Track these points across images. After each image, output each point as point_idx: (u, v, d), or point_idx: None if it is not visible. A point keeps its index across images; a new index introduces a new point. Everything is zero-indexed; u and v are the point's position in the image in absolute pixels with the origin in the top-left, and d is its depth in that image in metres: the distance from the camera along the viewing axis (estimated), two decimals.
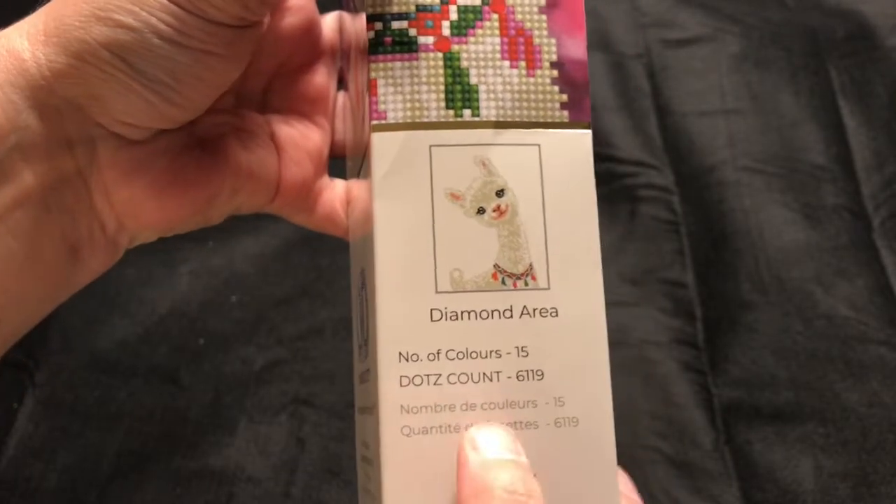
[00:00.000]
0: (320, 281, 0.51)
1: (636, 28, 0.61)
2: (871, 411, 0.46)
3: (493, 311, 0.23)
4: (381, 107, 0.23)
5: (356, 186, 0.28)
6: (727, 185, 0.54)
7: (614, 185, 0.54)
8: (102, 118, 0.24)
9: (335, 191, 0.31)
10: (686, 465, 0.45)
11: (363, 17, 0.24)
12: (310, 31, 0.30)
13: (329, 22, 0.31)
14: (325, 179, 0.31)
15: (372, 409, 0.23)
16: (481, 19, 0.24)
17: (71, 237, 0.25)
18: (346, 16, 0.30)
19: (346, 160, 0.32)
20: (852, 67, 0.58)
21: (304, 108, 0.31)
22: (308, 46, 0.30)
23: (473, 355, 0.23)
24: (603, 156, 0.54)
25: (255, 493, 0.44)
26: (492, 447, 0.22)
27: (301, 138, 0.30)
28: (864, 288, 0.50)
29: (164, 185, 0.26)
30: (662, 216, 0.53)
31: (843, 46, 0.59)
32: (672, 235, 0.53)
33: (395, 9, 0.24)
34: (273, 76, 0.30)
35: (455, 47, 0.24)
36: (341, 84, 0.32)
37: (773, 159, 0.55)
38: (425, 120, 0.23)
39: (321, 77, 0.31)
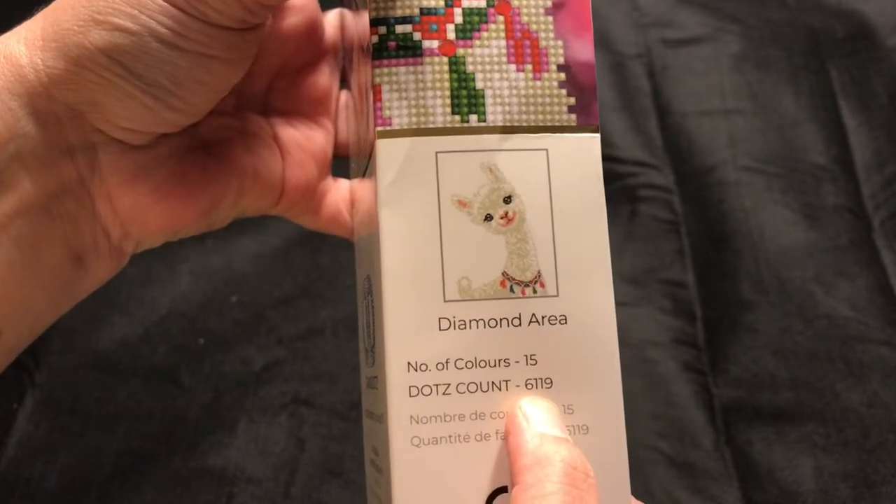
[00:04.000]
0: (320, 281, 0.51)
1: (636, 28, 0.61)
2: (872, 411, 0.46)
3: (501, 320, 0.23)
4: (386, 113, 0.23)
5: (360, 187, 0.28)
6: (727, 185, 0.54)
7: (615, 185, 0.54)
8: (102, 124, 0.24)
9: (339, 191, 0.31)
10: (686, 466, 0.45)
11: (365, 15, 0.24)
12: (312, 30, 0.29)
13: (331, 20, 0.31)
14: (329, 180, 0.31)
15: (381, 417, 0.23)
16: (486, 22, 0.23)
17: (75, 245, 0.25)
18: (348, 13, 0.30)
19: (349, 160, 0.32)
20: (852, 67, 0.58)
21: (307, 108, 0.30)
22: (310, 46, 0.30)
23: (482, 364, 0.22)
24: (603, 156, 0.54)
25: (255, 493, 0.44)
26: (545, 422, 0.22)
27: (304, 140, 0.30)
28: (864, 288, 0.50)
29: (168, 190, 0.26)
30: (662, 216, 0.53)
31: (843, 46, 0.59)
32: (672, 235, 0.53)
33: (399, 12, 0.23)
34: (275, 77, 0.30)
35: (460, 51, 0.23)
36: (343, 83, 0.32)
37: (774, 159, 0.55)
38: (431, 126, 0.23)
39: (324, 77, 0.30)
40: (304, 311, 0.50)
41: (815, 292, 0.50)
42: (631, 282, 0.51)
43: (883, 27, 0.60)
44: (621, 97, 0.58)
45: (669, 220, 0.53)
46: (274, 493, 0.44)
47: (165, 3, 0.22)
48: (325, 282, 0.51)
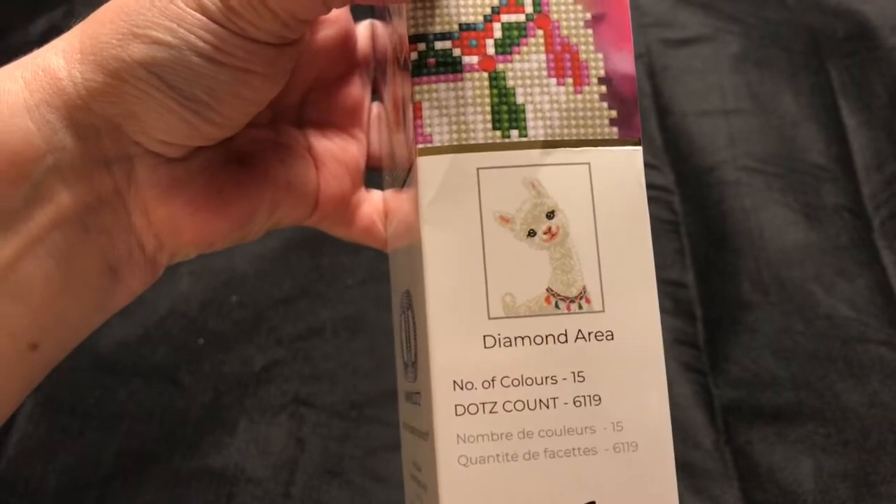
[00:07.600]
0: (320, 281, 0.51)
1: (636, 28, 0.61)
2: (872, 411, 0.46)
3: (547, 336, 0.22)
4: (427, 130, 0.23)
5: (395, 198, 0.27)
6: (727, 185, 0.54)
7: None
8: (140, 137, 0.24)
9: (373, 203, 0.31)
10: (686, 465, 0.45)
11: (400, 26, 0.24)
12: (346, 42, 0.30)
13: (362, 31, 0.31)
14: (363, 191, 0.31)
15: (425, 435, 0.23)
16: (526, 36, 0.23)
17: (110, 257, 0.25)
18: (379, 25, 0.30)
19: (380, 172, 0.32)
20: (852, 67, 0.58)
21: (341, 120, 0.30)
22: (344, 58, 0.30)
23: (529, 382, 0.22)
24: None
25: (255, 493, 0.44)
26: None
27: (339, 151, 0.30)
28: (864, 288, 0.50)
29: (203, 203, 0.26)
30: (662, 216, 0.53)
31: (843, 46, 0.59)
32: (672, 235, 0.53)
33: (438, 28, 0.23)
34: (309, 89, 0.30)
35: (500, 66, 0.23)
36: (375, 95, 0.32)
37: (774, 159, 0.55)
38: (472, 142, 0.23)
39: (357, 89, 0.30)
40: (304, 311, 0.50)
41: (815, 292, 0.50)
42: None
43: (883, 27, 0.60)
44: None
45: (669, 220, 0.53)
46: (274, 493, 0.44)
47: (204, 18, 0.22)
48: (325, 282, 0.51)
